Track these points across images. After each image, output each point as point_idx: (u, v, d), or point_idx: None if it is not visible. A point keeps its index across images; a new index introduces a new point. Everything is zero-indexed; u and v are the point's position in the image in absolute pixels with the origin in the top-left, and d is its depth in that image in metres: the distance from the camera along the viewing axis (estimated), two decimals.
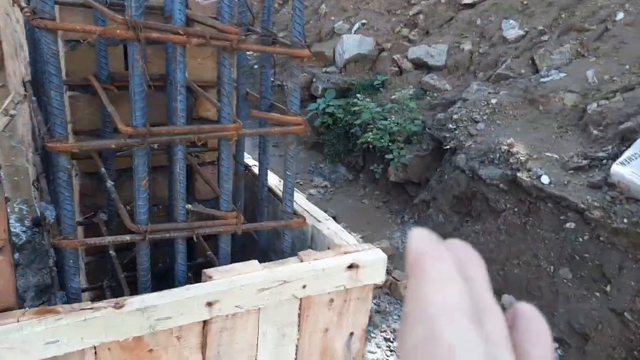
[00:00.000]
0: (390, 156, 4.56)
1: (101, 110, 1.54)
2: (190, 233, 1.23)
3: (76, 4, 1.50)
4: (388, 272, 3.87)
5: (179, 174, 1.20)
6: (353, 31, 5.98)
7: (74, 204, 1.12)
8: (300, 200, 1.67)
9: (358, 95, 5.19)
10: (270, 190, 1.63)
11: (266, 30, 1.35)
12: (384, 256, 1.37)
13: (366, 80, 5.51)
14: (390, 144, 4.65)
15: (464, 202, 3.98)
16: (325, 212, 4.54)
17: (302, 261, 1.30)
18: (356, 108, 4.99)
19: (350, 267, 1.32)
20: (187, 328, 1.19)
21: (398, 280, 3.67)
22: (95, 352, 1.11)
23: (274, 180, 1.81)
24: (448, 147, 4.22)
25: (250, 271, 1.24)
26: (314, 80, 5.81)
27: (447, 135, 4.28)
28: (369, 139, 4.75)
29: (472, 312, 0.25)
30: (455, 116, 4.35)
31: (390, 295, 3.63)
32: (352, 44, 5.68)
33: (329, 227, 1.52)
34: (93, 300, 1.87)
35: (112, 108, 1.21)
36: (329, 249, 1.46)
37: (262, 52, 1.30)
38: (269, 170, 1.86)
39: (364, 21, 6.01)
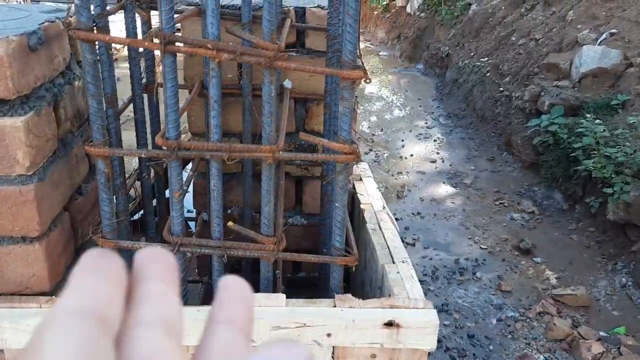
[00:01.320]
0: (610, 190, 3.86)
1: (206, 115, 1.59)
2: (223, 252, 1.19)
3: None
4: (575, 326, 3.29)
5: (213, 190, 1.16)
6: (598, 42, 5.21)
7: (113, 206, 1.17)
8: (387, 233, 1.49)
9: (587, 115, 4.52)
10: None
11: (340, 46, 1.22)
12: (436, 321, 1.13)
13: (602, 98, 4.76)
14: (613, 175, 3.95)
15: None
16: (521, 242, 4.07)
17: (334, 306, 1.16)
18: (580, 129, 4.35)
19: (390, 324, 1.13)
20: None
21: (584, 339, 3.09)
22: None
23: (378, 204, 1.66)
24: None
25: (272, 305, 1.15)
26: (542, 94, 5.24)
27: None
28: (588, 167, 4.10)
29: (108, 309, 0.24)
30: None
31: (569, 352, 3.08)
32: (592, 56, 4.97)
33: (399, 271, 1.32)
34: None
35: (185, 114, 1.23)
36: (389, 296, 1.27)
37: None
38: (376, 194, 1.72)
39: (613, 31, 5.19)
